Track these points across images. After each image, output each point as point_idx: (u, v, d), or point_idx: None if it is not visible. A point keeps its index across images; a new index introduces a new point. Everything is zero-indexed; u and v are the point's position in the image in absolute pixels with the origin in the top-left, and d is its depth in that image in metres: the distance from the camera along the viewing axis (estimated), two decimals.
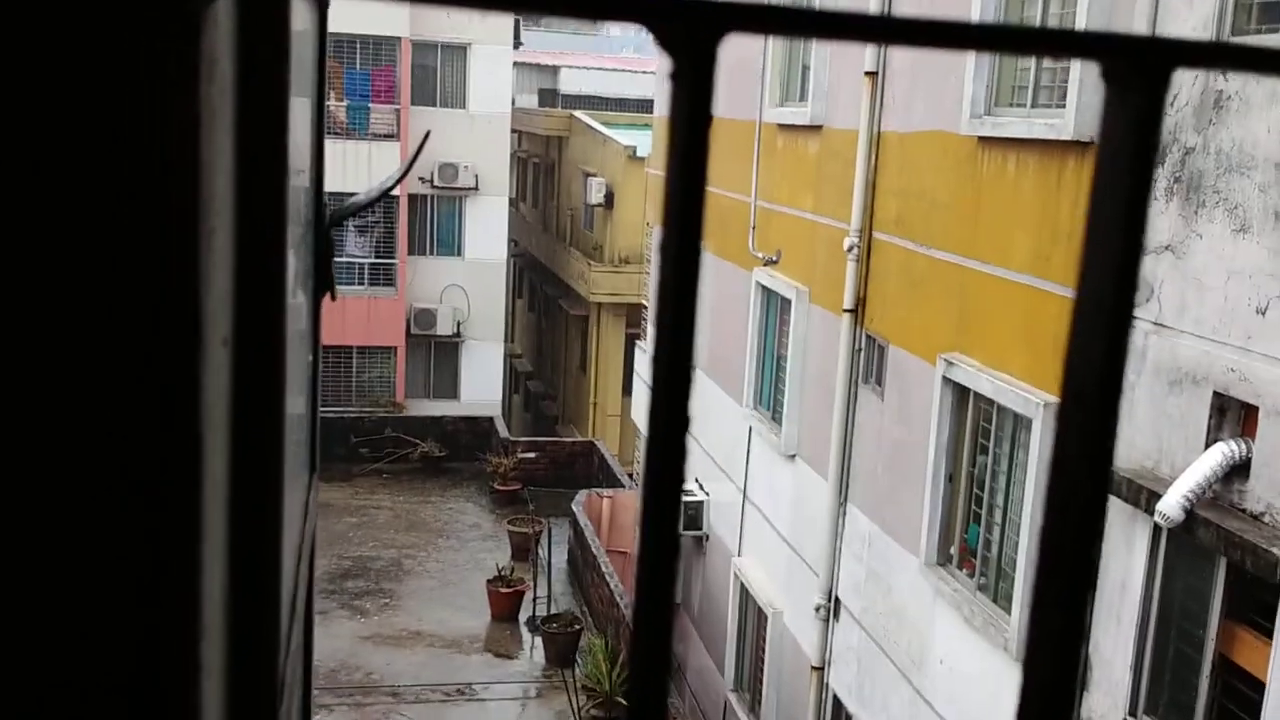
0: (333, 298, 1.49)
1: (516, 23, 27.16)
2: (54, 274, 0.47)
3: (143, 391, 0.49)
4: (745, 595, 13.05)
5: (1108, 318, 0.44)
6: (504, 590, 17.29)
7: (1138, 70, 0.42)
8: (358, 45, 25.01)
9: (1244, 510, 5.96)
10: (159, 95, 0.47)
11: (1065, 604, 0.44)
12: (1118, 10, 7.00)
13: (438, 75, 26.05)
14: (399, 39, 25.05)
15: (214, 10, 0.52)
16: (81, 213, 0.47)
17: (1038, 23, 8.00)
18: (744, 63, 13.21)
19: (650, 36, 0.37)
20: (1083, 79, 7.21)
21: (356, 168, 24.55)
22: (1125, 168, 0.42)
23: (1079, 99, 7.23)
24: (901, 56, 9.77)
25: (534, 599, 17.15)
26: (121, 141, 0.47)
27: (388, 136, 25.17)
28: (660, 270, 0.39)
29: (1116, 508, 6.83)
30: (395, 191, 24.94)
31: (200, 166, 0.49)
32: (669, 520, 0.41)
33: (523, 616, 17.35)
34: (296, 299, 1.20)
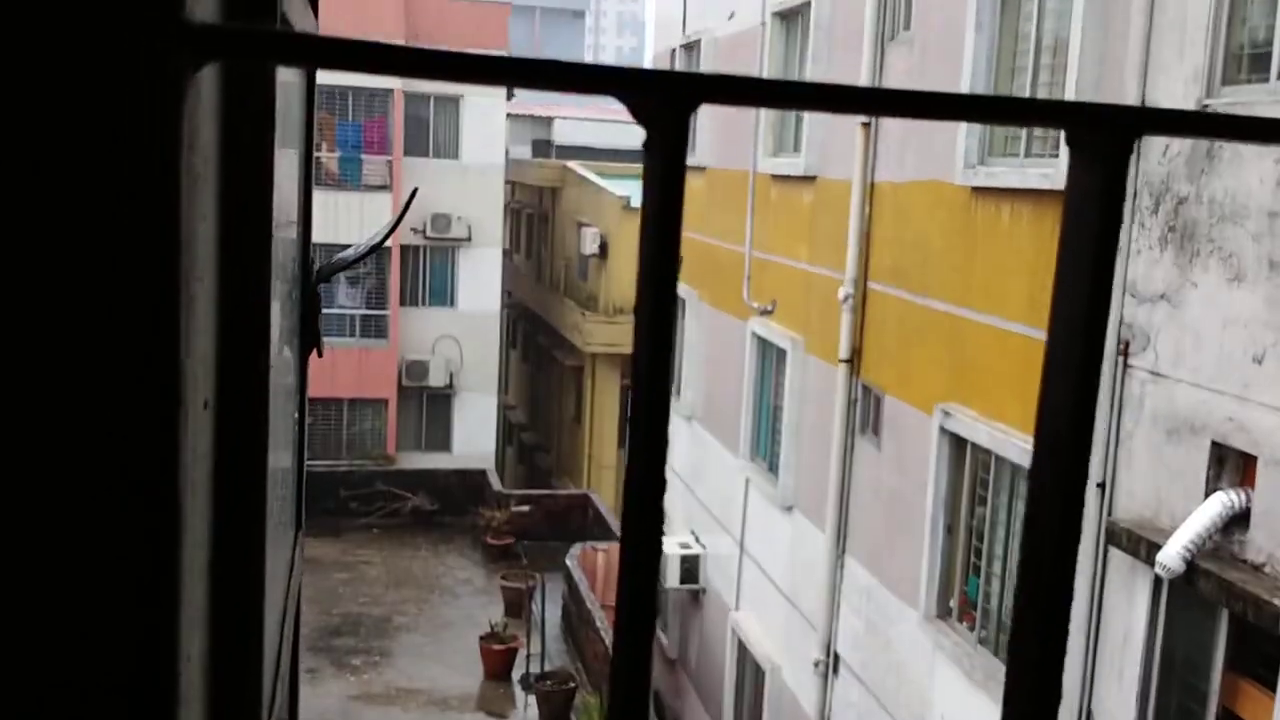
0: (319, 354, 1.45)
1: None
2: (33, 339, 0.48)
3: (122, 456, 0.49)
4: (743, 650, 12.90)
5: (1076, 376, 0.45)
6: (497, 647, 17.08)
7: (1101, 138, 0.43)
8: (350, 96, 25.20)
9: (1245, 561, 5.89)
10: (141, 163, 0.47)
11: (1044, 636, 0.45)
12: (1108, 63, 7.06)
13: (430, 126, 26.24)
14: (391, 90, 25.25)
15: (197, 79, 0.51)
16: (62, 277, 0.48)
17: (1029, 77, 8.06)
18: (738, 114, 13.30)
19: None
20: None
21: (348, 219, 24.62)
22: (1091, 233, 0.44)
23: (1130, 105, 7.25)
24: None
25: (527, 656, 16.93)
26: (103, 208, 0.47)
27: (380, 187, 25.28)
28: (635, 331, 0.38)
29: (1117, 559, 6.76)
30: (387, 243, 24.99)
31: (181, 233, 0.49)
32: (648, 574, 0.41)
33: (516, 674, 17.12)
34: (283, 355, 1.17)
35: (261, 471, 0.73)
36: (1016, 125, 0.46)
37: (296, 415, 1.40)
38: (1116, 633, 6.80)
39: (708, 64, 14.43)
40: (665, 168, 0.36)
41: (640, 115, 0.37)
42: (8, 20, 0.44)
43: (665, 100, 0.36)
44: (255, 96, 0.70)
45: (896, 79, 9.79)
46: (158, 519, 0.50)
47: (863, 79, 10.07)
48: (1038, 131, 8.02)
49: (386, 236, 1.91)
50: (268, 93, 0.74)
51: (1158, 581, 6.41)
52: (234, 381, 0.65)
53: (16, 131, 0.45)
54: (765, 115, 12.48)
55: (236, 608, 0.70)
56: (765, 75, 12.39)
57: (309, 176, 1.52)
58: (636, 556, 0.40)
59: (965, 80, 8.47)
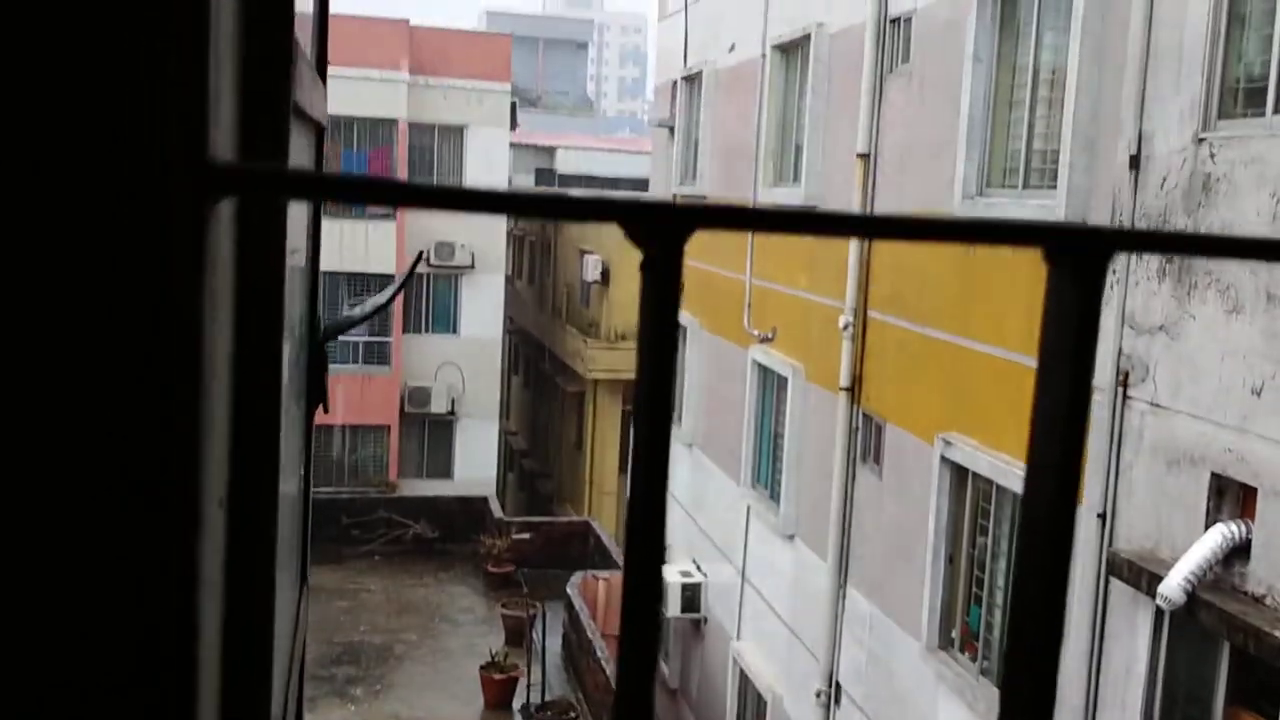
0: (325, 410, 1.48)
1: (513, 104, 27.57)
2: (59, 449, 0.50)
3: (143, 562, 0.51)
4: (744, 680, 12.85)
5: (1056, 479, 0.46)
6: (497, 676, 17.01)
7: (1079, 257, 0.46)
8: (355, 126, 25.35)
9: (1245, 592, 5.89)
10: (165, 290, 0.50)
11: (1036, 668, 0.47)
12: (1105, 96, 7.11)
13: (434, 156, 26.38)
14: (396, 121, 25.40)
15: (218, 208, 0.54)
16: (88, 395, 0.50)
17: (1026, 109, 8.11)
18: (738, 143, 13.39)
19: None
20: (1073, 161, 7.29)
21: (353, 247, 24.71)
22: (1070, 346, 0.46)
23: (1070, 179, 7.30)
24: (893, 138, 9.90)
25: (528, 685, 16.86)
26: (128, 339, 0.50)
27: (384, 216, 25.38)
28: (634, 451, 0.40)
29: (1118, 590, 6.76)
30: (392, 271, 25.08)
31: (203, 355, 0.52)
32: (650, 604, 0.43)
33: (516, 704, 17.04)
34: (289, 415, 1.19)
35: (270, 563, 0.75)
36: (998, 244, 0.49)
37: (302, 472, 1.42)
38: (1118, 664, 6.79)
39: (708, 95, 14.53)
40: (661, 289, 0.39)
41: (638, 239, 0.40)
42: (50, 161, 0.47)
43: (662, 227, 0.39)
44: (267, 228, 0.73)
45: (895, 112, 9.86)
46: (175, 628, 0.52)
47: (862, 112, 10.14)
48: (1036, 162, 8.08)
49: (392, 299, 1.95)
50: (279, 223, 0.78)
51: (1159, 613, 6.40)
52: (246, 479, 0.68)
53: (60, 261, 0.49)
54: (765, 144, 12.56)
55: (243, 694, 0.72)
56: (765, 107, 12.47)
57: (318, 231, 1.55)
58: (638, 584, 0.42)
59: (964, 112, 8.53)
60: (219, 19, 0.57)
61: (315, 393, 1.48)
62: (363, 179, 0.41)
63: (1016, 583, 0.50)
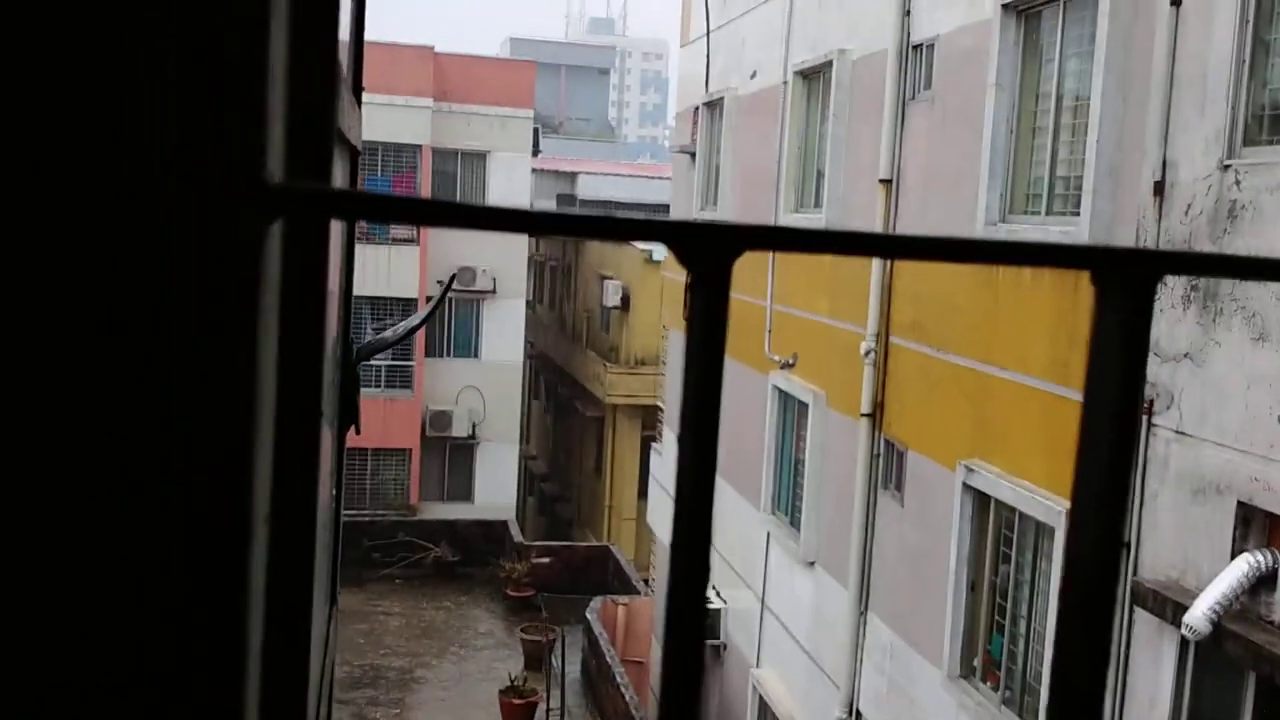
0: (358, 431, 1.49)
1: (535, 130, 27.74)
2: (119, 467, 0.51)
3: (190, 575, 0.53)
4: (764, 707, 12.76)
5: (1104, 508, 0.46)
6: (516, 701, 16.95)
7: (1126, 279, 0.46)
8: (379, 152, 25.55)
9: (1271, 623, 5.82)
10: (223, 307, 0.51)
11: (1083, 703, 0.47)
12: (1129, 123, 7.10)
13: (457, 181, 26.54)
14: (419, 146, 25.59)
15: (271, 229, 0.56)
16: (148, 412, 0.52)
17: (1050, 136, 8.11)
18: (760, 169, 13.42)
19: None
20: (1097, 188, 7.28)
21: (376, 272, 24.86)
22: (1116, 372, 0.45)
23: (1093, 205, 7.29)
24: (915, 163, 9.91)
25: (547, 710, 16.80)
26: (186, 361, 0.51)
27: (407, 241, 25.55)
28: (679, 462, 0.41)
29: (1143, 620, 6.69)
30: (414, 294, 25.21)
31: (256, 373, 0.53)
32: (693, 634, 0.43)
33: None
34: (325, 436, 1.20)
35: (308, 581, 0.76)
36: (1044, 265, 0.49)
37: (334, 492, 1.44)
38: (1143, 695, 6.71)
39: (730, 120, 14.59)
40: (710, 309, 0.40)
41: (686, 259, 0.40)
42: (115, 179, 0.49)
43: (711, 248, 0.40)
44: (314, 231, 0.75)
45: (917, 138, 9.87)
46: (226, 645, 0.53)
47: (884, 138, 10.16)
48: (1059, 189, 8.07)
49: (426, 319, 1.97)
50: (322, 244, 0.79)
51: (1184, 643, 6.33)
52: (288, 496, 0.69)
53: (123, 279, 0.50)
54: (786, 170, 12.59)
55: (281, 711, 0.73)
56: (787, 133, 12.51)
57: (351, 254, 1.57)
58: (682, 612, 0.43)
59: (986, 139, 8.54)
60: (273, 41, 0.58)
61: (348, 414, 1.49)
62: (412, 200, 0.42)
63: (1061, 619, 0.50)
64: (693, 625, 0.42)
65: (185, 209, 0.49)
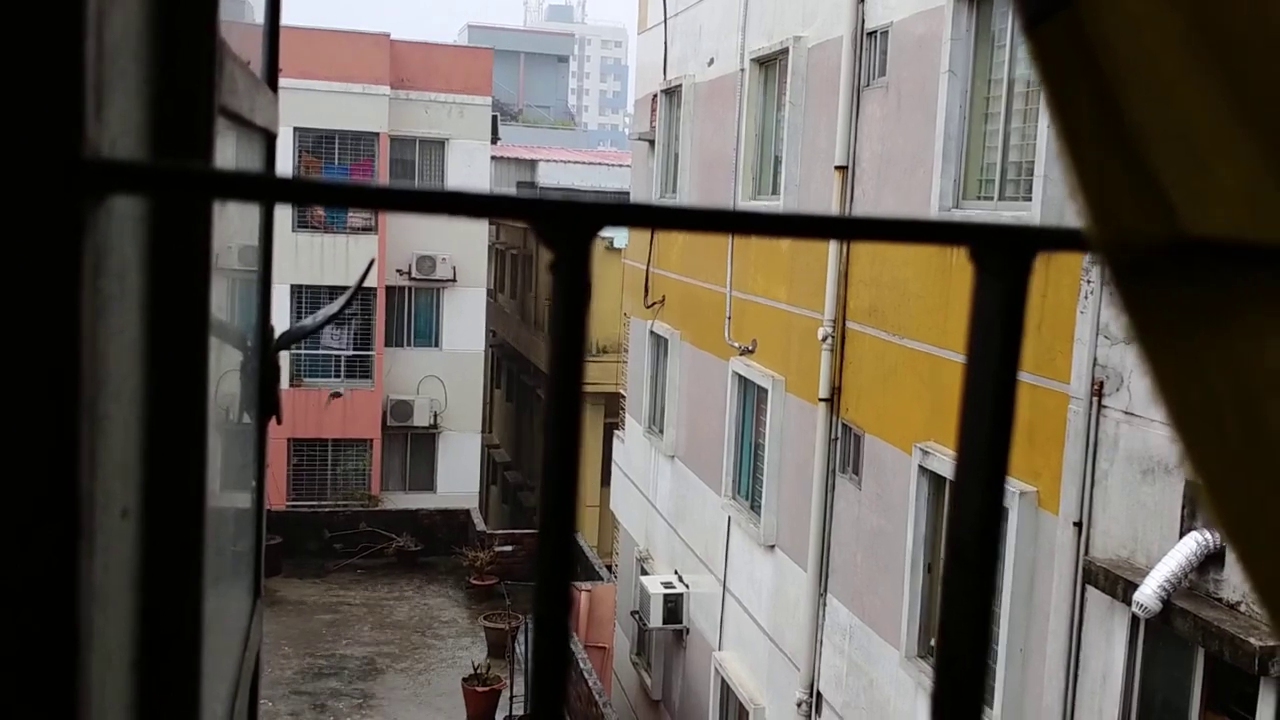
0: (278, 421, 1.49)
1: (494, 118, 27.59)
2: None
3: (19, 571, 0.49)
4: (726, 690, 12.85)
5: (984, 474, 0.46)
6: (480, 689, 16.95)
7: (1003, 255, 0.46)
8: (336, 140, 25.32)
9: (1220, 600, 5.94)
10: (36, 294, 0.47)
11: (966, 666, 0.47)
12: None
13: (416, 169, 26.36)
14: (377, 134, 25.39)
15: (109, 204, 0.53)
16: None
17: (1002, 121, 8.19)
18: (718, 156, 13.44)
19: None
20: (1047, 173, 7.36)
21: (334, 260, 24.66)
22: (996, 343, 0.46)
23: (1045, 190, 7.37)
24: (870, 150, 9.97)
25: (511, 697, 16.81)
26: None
27: (365, 229, 25.35)
28: (545, 434, 0.42)
29: (1094, 598, 6.80)
30: (374, 284, 25.05)
31: (81, 356, 0.49)
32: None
33: (499, 716, 16.98)
34: (241, 424, 1.20)
35: (195, 573, 0.74)
36: (927, 243, 0.50)
37: (255, 484, 1.43)
38: (1095, 672, 6.83)
39: (688, 108, 14.59)
40: (570, 284, 0.41)
41: (546, 238, 0.41)
42: None
43: (568, 224, 0.40)
44: (186, 213, 0.72)
45: (872, 124, 9.93)
46: (56, 637, 0.50)
47: (839, 125, 10.21)
48: (1011, 174, 8.15)
49: (345, 306, 1.96)
50: (203, 226, 0.75)
51: (1135, 621, 6.44)
52: (163, 486, 0.68)
53: None
54: (744, 156, 12.62)
55: (163, 705, 0.71)
56: (744, 120, 12.54)
57: (270, 235, 1.56)
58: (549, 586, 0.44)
59: (939, 125, 8.60)
60: (120, 14, 0.55)
61: (267, 404, 1.49)
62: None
63: (946, 576, 0.50)
64: (562, 569, 0.43)
65: None
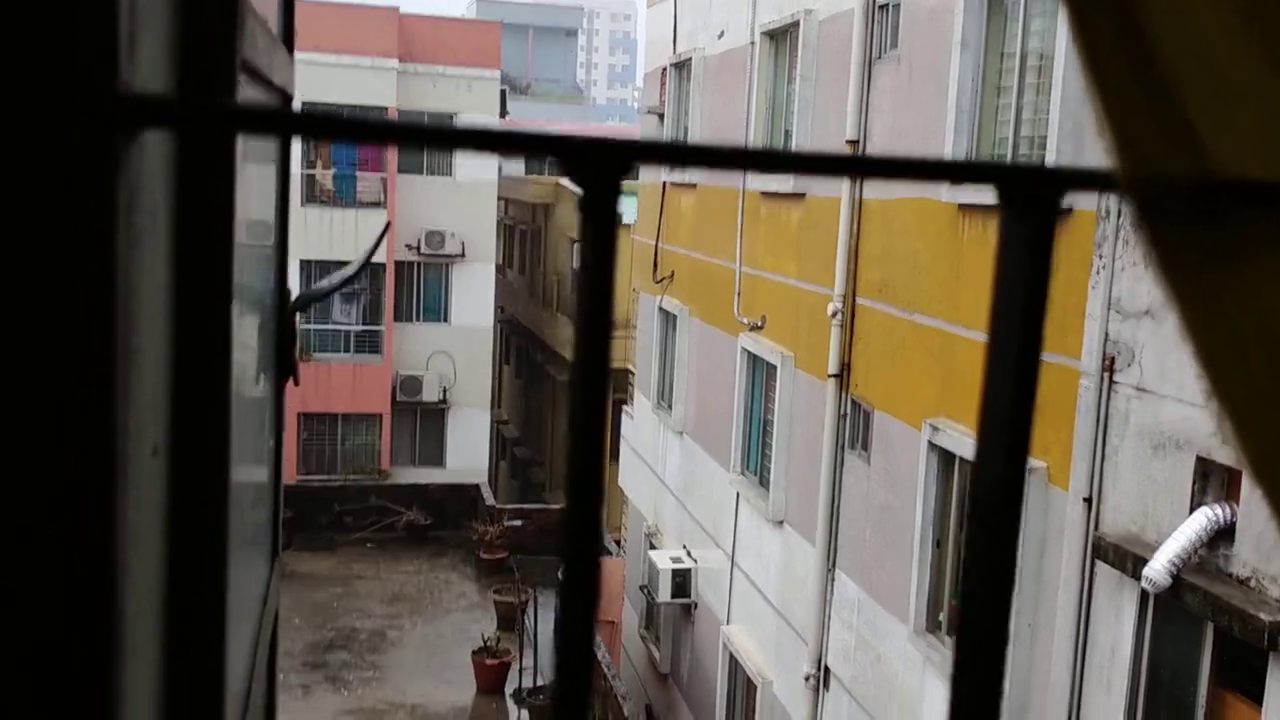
0: (295, 383, 1.49)
1: (503, 92, 27.49)
2: None
3: (56, 501, 0.50)
4: (734, 664, 12.90)
5: (1008, 426, 0.47)
6: (490, 661, 17.06)
7: (1031, 196, 0.45)
8: (344, 114, 25.22)
9: (1230, 575, 5.94)
10: (73, 229, 0.48)
11: (989, 631, 0.47)
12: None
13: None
14: (386, 109, 25.31)
15: (140, 140, 0.53)
16: None
17: (1014, 94, 8.13)
18: (728, 130, 13.38)
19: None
20: (1060, 146, 7.31)
21: (343, 235, 24.66)
22: (1023, 286, 0.45)
23: (1057, 163, 7.30)
24: (881, 123, 9.91)
25: (520, 670, 16.92)
26: (36, 272, 0.48)
27: (374, 204, 25.34)
28: (571, 379, 0.41)
29: (1104, 573, 6.80)
30: (383, 260, 25.05)
31: (115, 298, 0.50)
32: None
33: (509, 688, 17.10)
34: (258, 385, 1.20)
35: (222, 510, 0.75)
36: (950, 181, 0.49)
37: (273, 443, 1.43)
38: (1104, 646, 6.84)
39: (698, 81, 14.51)
40: (600, 224, 0.40)
41: (576, 177, 0.40)
42: None
43: (598, 162, 0.40)
44: (212, 146, 0.72)
45: (884, 97, 9.87)
46: (93, 564, 0.50)
47: (851, 98, 10.15)
48: (1023, 148, 8.10)
49: (360, 269, 1.96)
50: (227, 159, 0.76)
51: (1144, 596, 6.44)
52: (191, 425, 0.68)
53: None
54: (755, 131, 12.56)
55: (194, 659, 0.71)
56: (755, 94, 12.47)
57: (286, 204, 1.56)
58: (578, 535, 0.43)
59: (951, 98, 8.54)
60: None
61: (284, 365, 1.49)
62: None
63: (970, 534, 0.49)
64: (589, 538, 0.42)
65: (27, 122, 0.46)
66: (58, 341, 0.49)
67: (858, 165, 0.45)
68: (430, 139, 0.40)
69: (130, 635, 0.56)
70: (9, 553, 0.49)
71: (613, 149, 0.39)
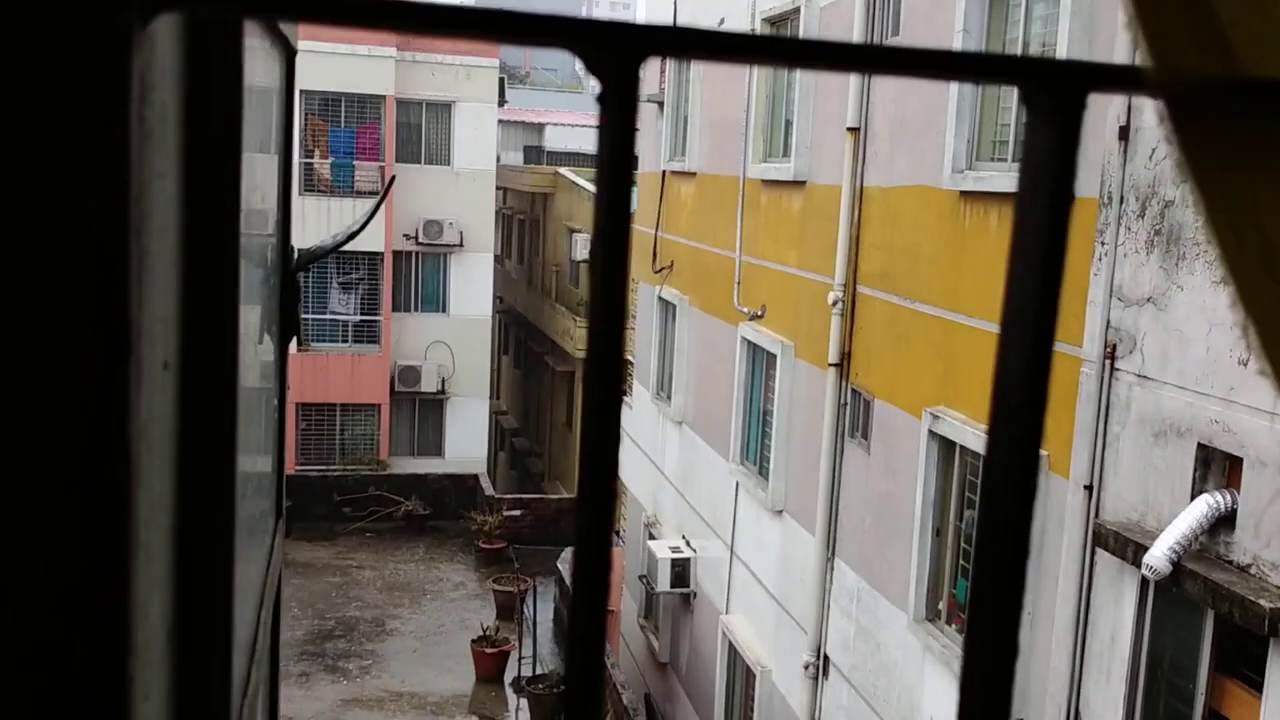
0: (299, 345, 1.47)
1: (501, 81, 27.42)
2: None
3: (68, 406, 0.49)
4: (733, 653, 12.91)
5: (1032, 335, 0.45)
6: (489, 650, 17.07)
7: (1054, 94, 0.44)
8: (342, 103, 25.19)
9: (1230, 562, 5.93)
10: (86, 113, 0.47)
11: (1000, 608, 0.45)
12: (1099, 26, 7.09)
13: (422, 132, 26.24)
14: (384, 97, 25.25)
15: (151, 32, 0.51)
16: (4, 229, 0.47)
17: (1020, 41, 8.09)
18: (728, 119, 13.35)
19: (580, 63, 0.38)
20: None
21: (342, 224, 24.57)
22: (1047, 190, 0.43)
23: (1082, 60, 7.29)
24: (883, 111, 9.88)
25: (519, 659, 16.93)
26: (47, 158, 0.47)
27: (372, 193, 25.27)
28: (590, 287, 0.39)
29: (1104, 560, 6.80)
30: (380, 249, 25.00)
31: (130, 184, 0.48)
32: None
33: (508, 677, 17.11)
34: (263, 343, 1.18)
35: (231, 432, 0.74)
36: (972, 80, 0.47)
37: (276, 402, 1.42)
38: (1104, 634, 6.84)
39: (698, 70, 14.47)
40: (617, 115, 0.38)
41: (593, 67, 0.39)
42: None
43: (616, 50, 0.38)
44: (220, 55, 0.70)
45: (885, 85, 9.84)
46: (106, 473, 0.50)
47: (852, 86, 10.12)
48: (1023, 137, 8.07)
49: (364, 225, 1.95)
50: (234, 53, 0.74)
51: (1144, 583, 6.44)
52: (199, 344, 0.66)
53: None
54: (755, 119, 12.52)
55: (204, 569, 0.70)
56: (755, 82, 12.43)
57: (289, 169, 1.54)
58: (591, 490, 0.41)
59: (953, 86, 8.51)
60: None
61: (289, 324, 1.48)
62: None
63: (984, 492, 0.48)
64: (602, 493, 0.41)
65: (36, 4, 0.45)
66: (70, 228, 0.47)
67: (886, 58, 0.43)
68: (440, 22, 0.38)
69: (144, 539, 0.55)
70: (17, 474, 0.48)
71: (633, 33, 0.38)
